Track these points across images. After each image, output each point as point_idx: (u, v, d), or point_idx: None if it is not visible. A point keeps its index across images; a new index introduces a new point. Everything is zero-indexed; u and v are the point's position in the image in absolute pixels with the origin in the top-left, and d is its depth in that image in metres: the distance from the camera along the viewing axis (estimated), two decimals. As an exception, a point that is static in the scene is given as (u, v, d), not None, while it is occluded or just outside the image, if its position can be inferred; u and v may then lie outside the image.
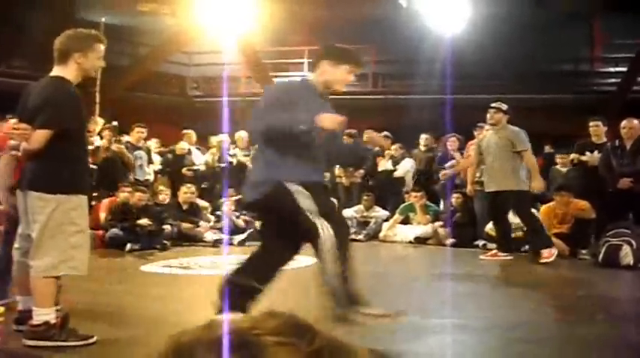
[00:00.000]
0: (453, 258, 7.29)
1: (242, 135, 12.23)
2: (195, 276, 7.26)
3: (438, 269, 7.58)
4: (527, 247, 8.74)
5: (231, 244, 9.78)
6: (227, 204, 10.58)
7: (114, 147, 10.14)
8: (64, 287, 4.21)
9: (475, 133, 10.11)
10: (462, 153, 10.58)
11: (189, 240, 9.91)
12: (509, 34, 14.80)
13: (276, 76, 16.64)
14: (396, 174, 11.57)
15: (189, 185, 10.62)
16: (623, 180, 8.26)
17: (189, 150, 12.06)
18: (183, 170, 11.68)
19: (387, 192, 11.70)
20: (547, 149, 11.93)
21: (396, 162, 11.62)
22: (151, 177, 11.26)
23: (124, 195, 9.48)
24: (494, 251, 8.31)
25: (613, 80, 15.70)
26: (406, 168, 11.58)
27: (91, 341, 3.99)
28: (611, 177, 8.39)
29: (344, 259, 4.02)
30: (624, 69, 15.08)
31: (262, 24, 14.04)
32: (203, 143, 12.63)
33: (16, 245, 4.21)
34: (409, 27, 14.56)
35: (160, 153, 11.95)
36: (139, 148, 10.93)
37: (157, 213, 9.50)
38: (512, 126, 8.17)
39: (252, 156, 3.66)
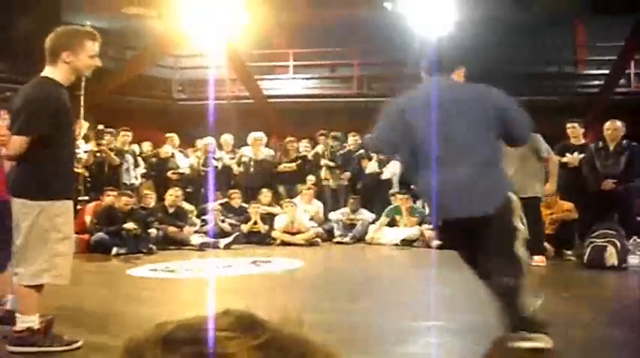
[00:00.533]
0: (440, 260, 7.31)
1: (227, 138, 12.23)
2: (181, 280, 7.24)
3: (425, 271, 7.59)
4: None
5: (217, 248, 9.77)
6: (213, 208, 10.56)
7: (102, 145, 10.18)
8: (48, 291, 4.18)
9: None
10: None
11: (175, 243, 9.89)
12: (494, 37, 14.87)
13: (261, 79, 16.68)
14: (383, 176, 11.60)
15: (175, 188, 10.60)
16: (606, 182, 8.33)
17: (173, 153, 12.03)
18: (169, 173, 11.65)
19: (373, 194, 11.72)
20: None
21: (382, 164, 11.64)
22: (138, 181, 11.24)
23: (109, 199, 9.45)
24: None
25: (596, 82, 15.81)
26: (393, 170, 11.60)
27: (76, 346, 3.95)
28: (595, 178, 8.45)
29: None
30: (607, 71, 15.20)
31: (247, 27, 14.02)
32: (189, 146, 12.61)
33: None
34: (394, 29, 14.59)
35: (144, 158, 11.90)
36: (125, 151, 10.93)
37: (142, 217, 9.47)
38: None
39: (473, 168, 3.30)
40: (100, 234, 8.96)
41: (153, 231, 9.55)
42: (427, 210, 10.70)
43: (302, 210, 10.88)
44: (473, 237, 3.89)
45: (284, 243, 10.39)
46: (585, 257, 7.68)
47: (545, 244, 8.32)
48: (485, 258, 3.88)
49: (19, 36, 12.99)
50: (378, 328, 4.67)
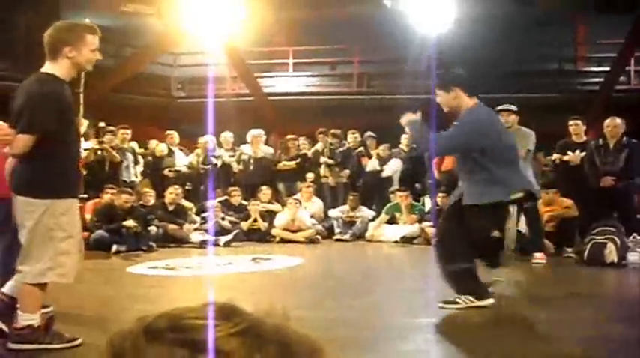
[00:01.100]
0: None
1: (227, 136, 12.21)
2: (181, 277, 7.24)
3: (425, 269, 7.59)
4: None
5: (217, 245, 9.77)
6: (213, 206, 10.57)
7: (104, 143, 10.22)
8: (49, 289, 4.17)
9: None
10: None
11: (175, 241, 9.89)
12: (494, 34, 14.85)
13: (261, 77, 16.67)
14: (384, 174, 11.60)
15: (175, 186, 10.60)
16: (606, 178, 8.33)
17: (169, 151, 11.99)
18: (165, 171, 11.62)
19: (373, 192, 11.73)
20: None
21: (383, 162, 11.65)
22: (137, 179, 11.25)
23: (108, 196, 9.45)
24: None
25: (596, 79, 15.80)
26: (393, 168, 11.60)
27: (76, 343, 3.95)
28: (595, 175, 8.45)
29: None
30: (607, 68, 15.20)
31: (247, 24, 14.01)
32: (188, 144, 12.59)
33: None
34: (394, 27, 14.58)
35: (141, 156, 11.88)
36: (125, 149, 10.93)
37: (142, 215, 9.47)
38: (524, 128, 8.08)
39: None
40: (100, 232, 8.95)
41: (153, 229, 9.56)
42: (427, 208, 10.74)
43: (302, 208, 10.88)
44: None
45: (284, 241, 10.40)
46: (585, 254, 7.68)
47: (545, 241, 8.35)
48: None
49: (19, 34, 12.99)
50: (378, 325, 4.68)
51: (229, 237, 10.02)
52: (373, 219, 10.95)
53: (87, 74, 5.31)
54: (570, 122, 9.18)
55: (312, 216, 10.94)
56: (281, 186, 11.87)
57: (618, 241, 7.54)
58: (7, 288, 4.24)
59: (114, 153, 10.51)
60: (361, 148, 11.99)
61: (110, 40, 14.79)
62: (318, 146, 12.11)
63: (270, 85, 16.93)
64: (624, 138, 8.52)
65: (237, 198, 11.05)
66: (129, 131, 11.24)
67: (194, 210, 10.93)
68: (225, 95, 15.60)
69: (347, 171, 11.79)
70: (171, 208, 10.32)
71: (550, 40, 16.28)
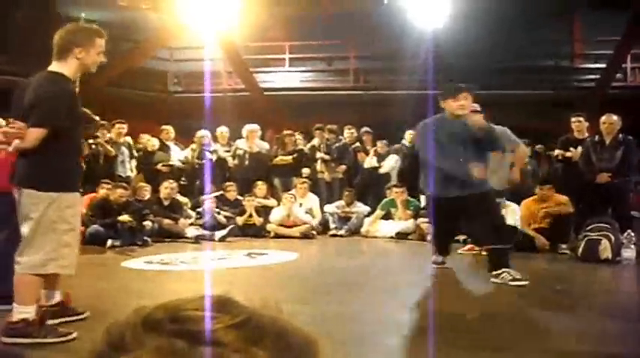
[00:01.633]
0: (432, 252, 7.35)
1: (223, 131, 12.20)
2: (176, 272, 7.24)
3: (420, 264, 7.61)
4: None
5: (212, 240, 9.77)
6: (209, 200, 10.56)
7: (98, 137, 10.21)
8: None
9: None
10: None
11: (170, 236, 9.88)
12: (491, 30, 14.86)
13: (257, 72, 16.66)
14: (382, 170, 11.61)
15: (170, 181, 10.59)
16: (602, 175, 8.34)
17: (161, 146, 11.96)
18: (159, 166, 11.59)
19: (369, 187, 11.74)
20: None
21: (381, 158, 11.65)
22: (133, 174, 11.23)
23: (104, 191, 9.44)
24: (471, 245, 8.36)
25: (592, 76, 15.83)
26: (391, 164, 11.62)
27: (70, 337, 3.95)
28: (591, 171, 8.47)
29: None
30: (603, 65, 15.22)
31: (243, 19, 13.99)
32: (185, 139, 12.57)
33: None
34: (390, 22, 14.58)
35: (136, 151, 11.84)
36: (121, 144, 10.91)
37: (137, 210, 9.46)
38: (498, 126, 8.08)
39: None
40: (95, 227, 8.94)
41: (148, 224, 9.54)
42: (422, 204, 10.76)
43: (297, 204, 10.88)
44: None
45: (279, 236, 10.40)
46: (579, 250, 7.70)
47: (540, 237, 8.38)
48: None
49: (14, 28, 12.95)
50: (373, 320, 4.68)
51: (224, 231, 10.02)
52: (369, 215, 10.96)
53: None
54: (573, 119, 9.24)
55: (307, 212, 10.93)
56: (277, 182, 11.86)
57: (613, 238, 7.56)
58: None
59: (108, 147, 10.50)
60: (357, 144, 11.99)
61: (106, 35, 14.79)
62: (315, 141, 12.11)
63: (266, 80, 16.92)
64: (620, 135, 8.54)
65: (232, 193, 11.04)
66: (125, 126, 11.22)
67: (189, 204, 10.93)
68: (221, 90, 15.60)
69: (343, 167, 11.79)
70: (166, 203, 10.31)
71: (546, 36, 16.30)
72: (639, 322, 4.80)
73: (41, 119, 3.82)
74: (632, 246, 7.85)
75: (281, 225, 10.56)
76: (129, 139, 11.57)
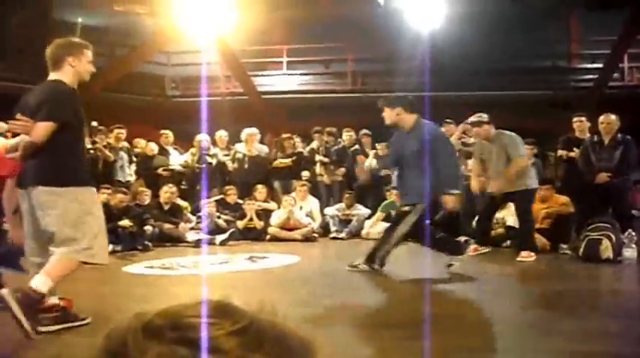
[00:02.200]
0: (434, 255, 7.32)
1: (222, 134, 12.19)
2: (177, 276, 7.23)
3: (420, 265, 7.60)
4: (507, 243, 8.88)
5: (212, 244, 9.76)
6: (208, 205, 10.55)
7: (96, 142, 10.21)
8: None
9: (443, 129, 10.15)
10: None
11: (171, 240, 9.87)
12: (488, 31, 14.88)
13: (255, 75, 16.66)
14: (382, 172, 11.60)
15: (170, 185, 10.58)
16: (601, 175, 8.34)
17: (160, 150, 11.95)
18: (159, 170, 11.59)
19: (369, 190, 11.72)
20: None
21: (380, 161, 11.64)
22: (132, 178, 11.22)
23: (103, 196, 9.42)
24: (475, 246, 8.36)
25: (590, 76, 15.85)
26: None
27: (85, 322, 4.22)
28: (590, 171, 8.47)
29: None
30: (601, 65, 15.24)
31: (241, 23, 13.99)
32: (183, 143, 12.56)
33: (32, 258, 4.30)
34: (387, 25, 14.59)
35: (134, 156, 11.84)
36: (119, 149, 10.91)
37: (138, 214, 9.45)
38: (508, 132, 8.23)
39: None
40: (95, 232, 8.91)
41: (148, 228, 9.53)
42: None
43: (297, 207, 10.88)
44: None
45: (280, 239, 10.38)
46: (580, 250, 7.69)
47: (540, 238, 8.37)
48: None
49: (10, 33, 12.94)
50: (374, 321, 4.68)
51: (225, 235, 10.01)
52: (369, 217, 10.95)
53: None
54: (575, 119, 9.27)
55: (308, 215, 10.91)
56: (276, 185, 11.85)
57: (613, 237, 7.55)
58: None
59: (107, 152, 10.49)
60: (356, 146, 11.98)
61: (102, 40, 14.79)
62: (314, 144, 12.10)
63: (264, 84, 16.91)
64: (619, 135, 8.53)
65: (232, 197, 11.03)
66: (124, 131, 11.21)
67: (190, 209, 10.92)
68: (219, 94, 15.59)
69: (342, 170, 11.78)
70: (166, 207, 10.30)
71: (543, 37, 16.31)
72: (641, 321, 4.80)
73: (50, 114, 4.02)
74: (633, 246, 7.85)
75: (282, 228, 10.55)
76: (127, 144, 11.58)
